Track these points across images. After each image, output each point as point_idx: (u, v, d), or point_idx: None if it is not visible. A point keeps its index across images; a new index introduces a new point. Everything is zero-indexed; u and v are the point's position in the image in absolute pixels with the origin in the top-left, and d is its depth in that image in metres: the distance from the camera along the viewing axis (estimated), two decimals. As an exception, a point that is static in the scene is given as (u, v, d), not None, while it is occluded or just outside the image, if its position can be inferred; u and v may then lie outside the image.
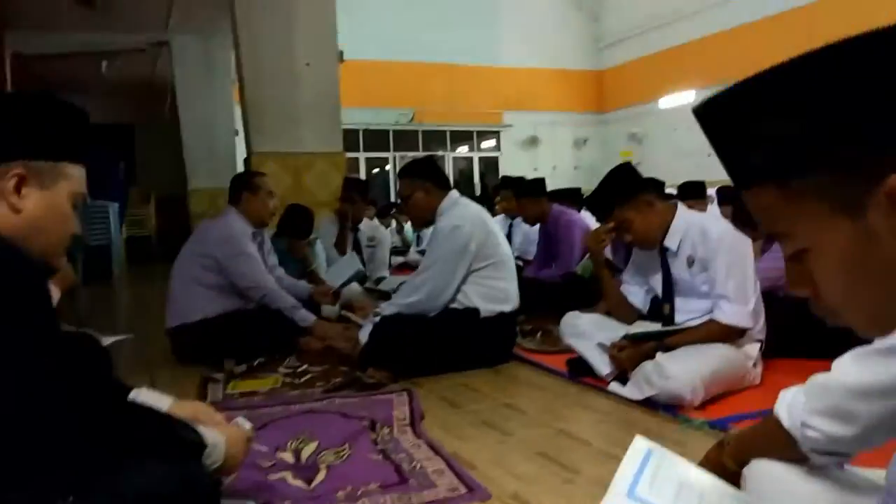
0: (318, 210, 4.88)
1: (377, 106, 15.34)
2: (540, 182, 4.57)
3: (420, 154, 16.93)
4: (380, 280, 4.77)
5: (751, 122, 0.66)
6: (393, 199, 16.28)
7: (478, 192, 17.03)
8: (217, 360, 3.14)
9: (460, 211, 2.97)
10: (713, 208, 5.19)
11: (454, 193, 3.10)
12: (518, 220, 5.27)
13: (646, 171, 11.58)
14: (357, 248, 4.74)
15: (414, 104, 15.96)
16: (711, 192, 10.04)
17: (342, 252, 4.55)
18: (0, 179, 1.22)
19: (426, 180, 3.04)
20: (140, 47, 8.47)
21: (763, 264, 2.90)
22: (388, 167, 16.59)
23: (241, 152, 7.52)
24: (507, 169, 17.28)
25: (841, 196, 0.57)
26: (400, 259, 7.35)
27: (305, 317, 3.38)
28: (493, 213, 5.74)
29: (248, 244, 3.30)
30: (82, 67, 9.06)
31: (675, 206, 2.62)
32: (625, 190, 2.56)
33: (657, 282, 2.69)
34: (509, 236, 5.18)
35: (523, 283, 3.24)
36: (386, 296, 4.51)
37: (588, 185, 16.27)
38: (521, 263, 4.68)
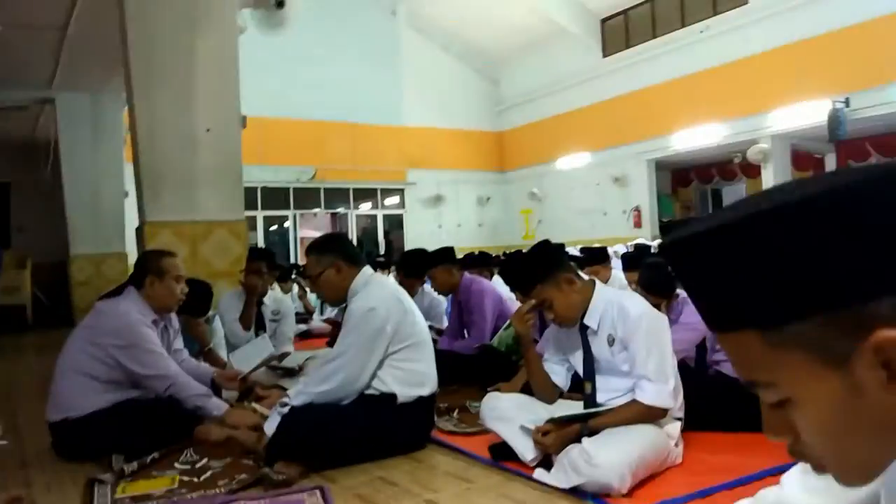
0: (216, 281, 4.62)
1: (277, 164, 15.09)
2: (449, 251, 4.52)
3: (321, 211, 16.75)
4: (283, 356, 4.52)
5: (729, 266, 0.59)
6: (293, 260, 15.95)
7: (382, 250, 16.97)
8: (105, 456, 2.83)
9: (374, 291, 2.84)
10: (617, 273, 5.27)
11: (367, 270, 2.97)
12: (417, 296, 5.14)
13: (546, 229, 12.04)
14: (260, 322, 4.49)
15: (315, 162, 15.83)
16: (614, 249, 10.43)
17: (246, 328, 4.29)
18: None
19: (336, 257, 2.90)
20: (22, 104, 7.92)
21: (674, 335, 2.95)
22: (287, 224, 16.27)
23: (130, 217, 7.13)
24: (411, 226, 17.37)
25: (826, 348, 0.54)
26: (303, 327, 7.08)
27: (219, 405, 3.12)
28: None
29: (146, 335, 3.01)
30: (-47, 124, 8.40)
31: (594, 284, 2.63)
32: (545, 268, 2.54)
33: (577, 359, 2.68)
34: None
35: (437, 356, 3.12)
36: (290, 373, 4.28)
37: (492, 243, 16.77)
38: (435, 336, 4.58)
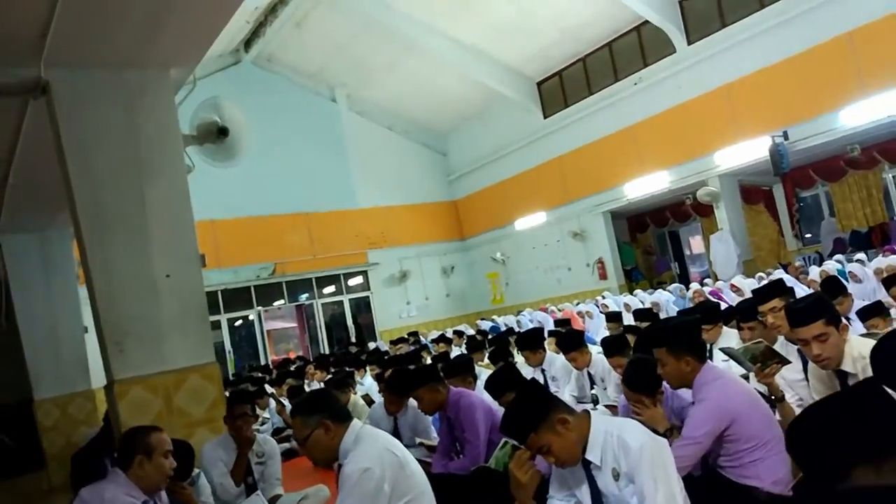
0: (196, 430, 4.44)
1: (236, 264, 14.95)
2: (432, 369, 4.45)
3: (285, 304, 16.53)
4: (276, 498, 4.33)
5: None
6: (262, 358, 15.63)
7: (353, 334, 16.76)
8: None
9: (366, 449, 2.73)
10: (598, 357, 5.24)
11: (356, 424, 2.87)
12: (402, 412, 5.05)
13: (513, 290, 12.14)
14: (247, 466, 4.31)
15: (274, 256, 15.78)
16: (587, 309, 10.44)
17: (238, 483, 4.11)
18: None
19: (323, 416, 2.80)
20: (-35, 252, 7.70)
21: (677, 452, 2.91)
22: (251, 317, 16.04)
23: (92, 352, 6.88)
24: (379, 306, 17.26)
25: None
26: (285, 445, 6.81)
27: None
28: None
29: None
30: None
31: (588, 416, 2.58)
32: (536, 415, 2.49)
33: (584, 494, 2.60)
34: (396, 431, 4.95)
35: (433, 480, 3.00)
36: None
37: (462, 311, 16.69)
38: (426, 457, 4.46)
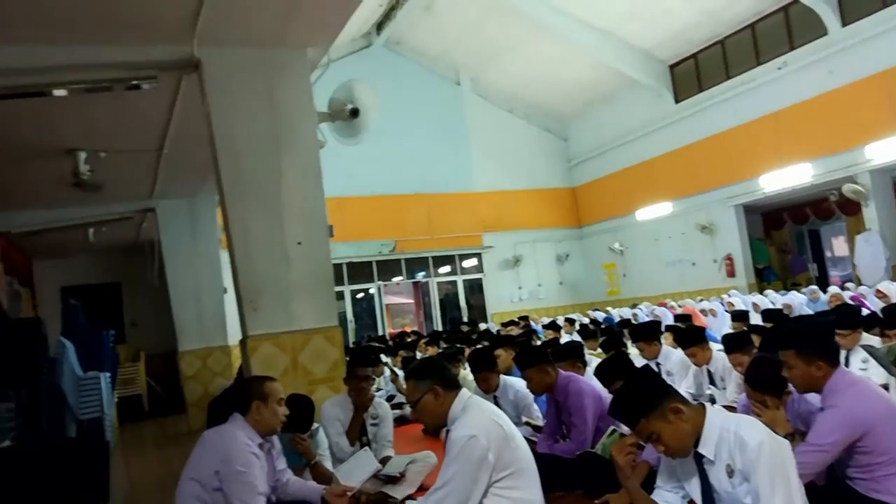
0: (317, 388, 4.73)
1: (360, 239, 15.56)
2: (542, 350, 4.48)
3: (403, 280, 17.04)
4: (386, 459, 4.56)
5: None
6: (381, 328, 16.24)
7: (465, 314, 17.02)
8: None
9: (473, 418, 2.82)
10: (719, 354, 5.05)
11: (465, 393, 2.97)
12: (501, 389, 5.09)
13: (631, 283, 11.85)
14: (362, 427, 4.56)
15: (395, 234, 16.26)
16: (710, 307, 10.02)
17: (353, 442, 4.36)
18: None
19: (433, 382, 2.91)
20: (127, 215, 8.53)
21: (801, 458, 2.79)
22: (371, 291, 16.76)
23: (230, 312, 7.45)
24: (491, 289, 17.39)
25: None
26: (397, 412, 7.07)
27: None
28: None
29: (250, 462, 3.11)
30: (69, 236, 9.09)
31: (704, 409, 2.52)
32: (648, 401, 2.46)
33: (694, 488, 2.55)
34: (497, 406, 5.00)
35: (537, 459, 3.04)
36: (393, 479, 4.29)
37: (575, 301, 16.50)
38: (532, 436, 4.51)
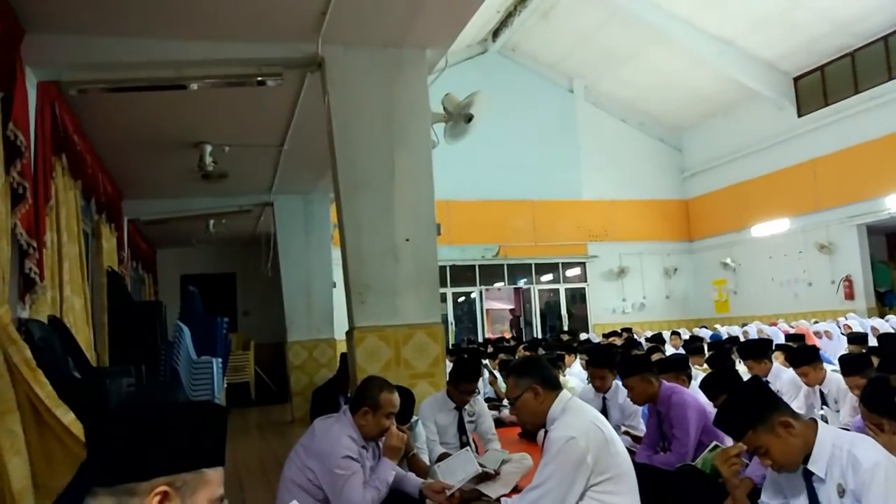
0: (417, 382, 4.85)
1: (464, 243, 15.72)
2: (645, 358, 4.41)
3: (504, 285, 17.06)
4: (487, 452, 4.66)
5: None
6: (480, 333, 16.33)
7: (566, 324, 16.84)
8: None
9: (573, 419, 2.83)
10: (834, 376, 4.80)
11: (565, 395, 2.98)
12: (612, 391, 5.06)
13: (741, 300, 11.41)
14: (461, 425, 4.65)
15: (499, 239, 16.31)
16: (825, 329, 9.49)
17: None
18: (143, 498, 1.22)
19: (534, 381, 2.94)
20: (246, 208, 9.04)
21: None
22: (473, 295, 16.84)
23: (338, 305, 7.74)
24: (594, 299, 17.12)
25: None
26: (493, 414, 7.12)
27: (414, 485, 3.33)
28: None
29: (350, 464, 3.19)
30: (190, 226, 9.73)
31: (816, 424, 2.43)
32: (757, 413, 2.39)
33: (802, 505, 2.46)
34: (605, 410, 4.96)
35: (635, 469, 3.01)
36: (487, 476, 4.34)
37: (681, 316, 16.03)
38: (632, 446, 4.44)
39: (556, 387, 2.98)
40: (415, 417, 4.32)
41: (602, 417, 2.97)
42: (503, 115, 15.38)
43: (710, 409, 3.94)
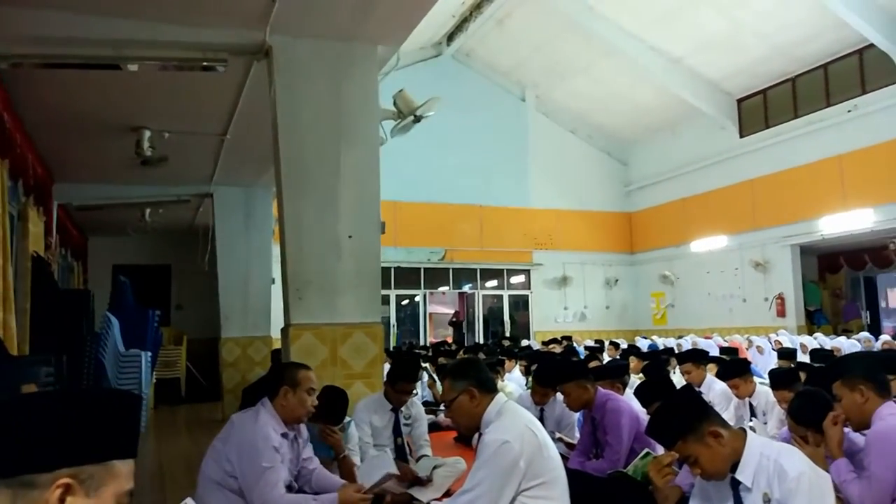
0: (353, 382, 4.75)
1: (410, 245, 15.65)
2: (582, 365, 4.42)
3: (449, 289, 17.05)
4: (419, 458, 4.58)
5: None
6: (423, 337, 16.27)
7: (508, 330, 16.93)
8: None
9: (508, 423, 2.78)
10: (762, 388, 4.93)
11: (500, 398, 2.94)
12: (550, 402, 5.06)
13: (678, 313, 11.68)
14: (396, 427, 4.57)
15: (445, 243, 16.29)
16: (757, 344, 9.76)
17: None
18: (44, 491, 1.12)
19: (470, 383, 2.89)
20: (184, 198, 8.76)
21: (861, 490, 2.72)
22: (417, 298, 16.76)
23: (276, 303, 7.56)
24: (537, 307, 17.27)
25: None
26: (430, 418, 7.07)
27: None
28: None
29: (272, 456, 3.09)
30: (125, 214, 9.37)
31: (745, 434, 2.45)
32: (687, 423, 2.40)
33: (728, 514, 2.47)
34: (541, 417, 4.95)
35: (567, 475, 3.00)
36: (419, 481, 4.28)
37: (619, 327, 16.32)
38: (565, 452, 4.44)
39: (493, 390, 2.94)
40: (348, 418, 4.22)
41: (537, 422, 2.94)
42: (455, 119, 15.39)
43: (644, 416, 3.97)
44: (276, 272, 7.14)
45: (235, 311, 8.75)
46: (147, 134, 6.62)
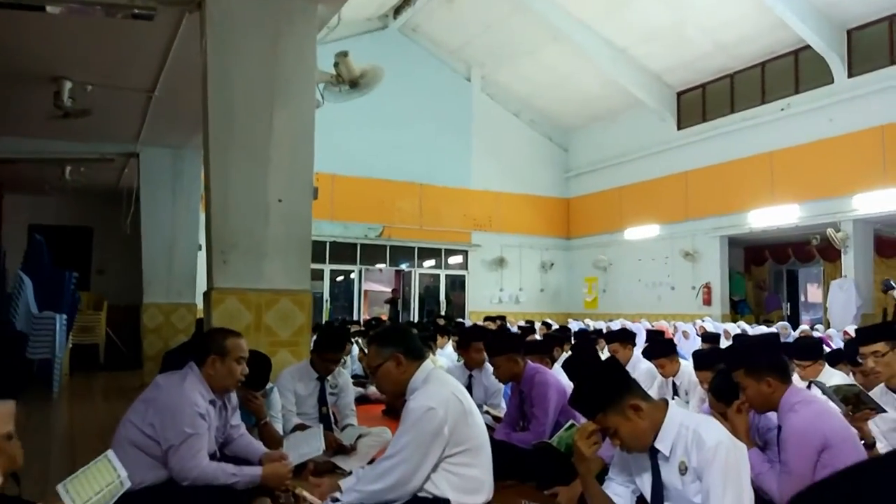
0: (278, 350, 4.61)
1: (347, 220, 15.42)
2: (514, 338, 4.41)
3: (386, 267, 16.91)
4: (344, 428, 4.50)
5: None
6: (356, 314, 16.10)
7: (443, 309, 16.94)
8: None
9: (434, 389, 2.74)
10: (687, 367, 5.02)
11: (427, 365, 2.89)
12: (481, 370, 5.06)
13: (609, 298, 11.89)
14: (322, 396, 4.46)
15: (383, 220, 16.11)
16: (683, 329, 10.02)
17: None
18: None
19: (397, 349, 2.82)
20: (109, 157, 8.33)
21: (774, 481, 2.77)
22: (353, 275, 16.51)
23: (202, 271, 7.29)
24: (473, 287, 17.34)
25: None
26: (360, 391, 6.99)
27: (251, 478, 3.06)
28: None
29: (199, 423, 2.96)
30: (43, 171, 8.87)
31: (666, 405, 2.46)
32: (609, 395, 2.39)
33: (645, 483, 2.49)
34: (469, 388, 4.94)
35: (492, 446, 2.97)
36: (343, 450, 4.21)
37: (553, 309, 16.48)
38: (490, 420, 4.44)
39: (420, 357, 2.89)
40: (270, 385, 4.09)
41: (463, 389, 2.90)
42: (398, 94, 15.20)
43: (571, 390, 3.98)
44: (204, 239, 6.89)
45: (159, 276, 8.41)
46: (68, 85, 6.24)
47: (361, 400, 6.75)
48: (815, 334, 8.80)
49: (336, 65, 5.63)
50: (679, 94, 15.75)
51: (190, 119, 7.13)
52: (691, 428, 2.35)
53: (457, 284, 17.72)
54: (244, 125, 4.59)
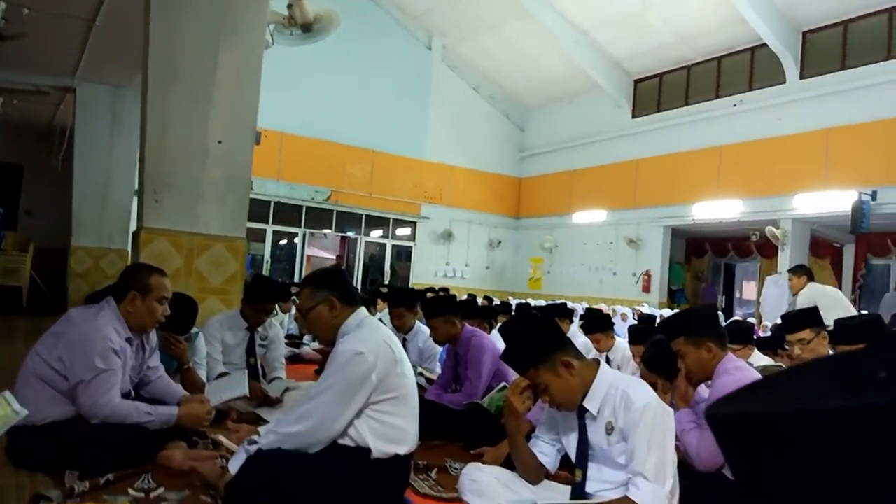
0: (208, 297, 4.44)
1: (293, 181, 15.07)
2: (451, 300, 4.34)
3: (331, 233, 16.66)
4: (272, 380, 4.37)
5: None
6: (298, 277, 15.81)
7: (387, 279, 16.81)
8: (58, 469, 2.68)
9: (365, 335, 2.64)
10: (622, 342, 5.08)
11: (361, 311, 2.78)
12: (413, 333, 4.99)
13: (553, 280, 11.92)
14: (250, 347, 4.31)
15: (332, 184, 15.82)
16: (621, 312, 10.18)
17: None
18: None
19: (332, 293, 2.70)
20: (44, 90, 7.87)
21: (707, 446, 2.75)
22: (296, 240, 16.18)
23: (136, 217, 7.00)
24: (419, 260, 17.25)
25: None
26: (294, 350, 6.86)
27: (167, 418, 2.94)
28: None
29: (112, 359, 2.81)
30: (-27, 99, 8.34)
31: (598, 365, 2.43)
32: (541, 350, 2.34)
33: (570, 442, 2.46)
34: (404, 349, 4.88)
35: (423, 406, 2.90)
36: (269, 401, 4.09)
37: (497, 287, 16.50)
38: (423, 381, 4.38)
39: (354, 303, 2.77)
40: (196, 329, 3.92)
41: (394, 337, 2.81)
42: (356, 55, 14.87)
43: (505, 352, 3.96)
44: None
45: (91, 219, 8.05)
46: (2, 5, 5.83)
47: (294, 359, 6.64)
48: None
49: (290, 6, 5.41)
50: (636, 82, 15.87)
51: (133, 56, 6.73)
52: (620, 388, 2.33)
53: (403, 255, 17.59)
54: (187, 60, 4.38)
